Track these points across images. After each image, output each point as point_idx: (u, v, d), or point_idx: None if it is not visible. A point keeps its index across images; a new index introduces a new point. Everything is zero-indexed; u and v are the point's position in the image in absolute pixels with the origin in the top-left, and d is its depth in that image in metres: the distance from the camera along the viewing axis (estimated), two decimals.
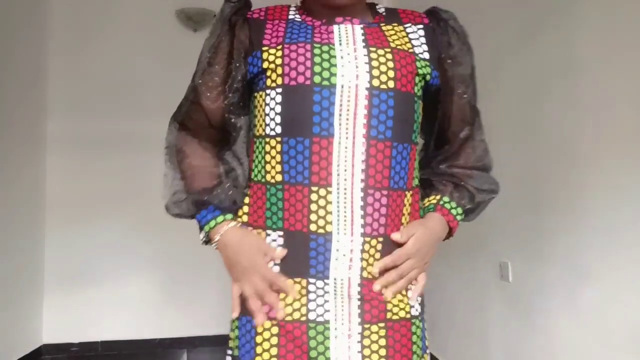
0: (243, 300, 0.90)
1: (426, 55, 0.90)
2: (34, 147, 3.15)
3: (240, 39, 0.91)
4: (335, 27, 0.87)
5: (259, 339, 0.84)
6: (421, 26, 0.93)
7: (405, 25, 0.92)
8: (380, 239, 0.85)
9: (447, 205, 0.98)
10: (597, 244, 1.56)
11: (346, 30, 0.87)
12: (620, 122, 1.47)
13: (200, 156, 0.94)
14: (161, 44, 3.45)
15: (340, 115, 0.81)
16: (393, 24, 0.92)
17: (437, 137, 0.98)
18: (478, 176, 1.03)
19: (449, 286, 2.65)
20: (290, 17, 0.92)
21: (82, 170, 3.31)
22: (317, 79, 0.82)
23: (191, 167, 0.93)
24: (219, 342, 3.32)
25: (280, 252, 0.85)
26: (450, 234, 1.05)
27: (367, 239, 0.83)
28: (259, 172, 0.89)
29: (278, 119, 0.84)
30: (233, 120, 0.92)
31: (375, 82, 0.82)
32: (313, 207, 0.82)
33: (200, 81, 0.94)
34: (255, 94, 0.90)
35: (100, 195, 3.30)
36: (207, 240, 0.93)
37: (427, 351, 0.95)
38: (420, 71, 0.87)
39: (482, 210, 1.06)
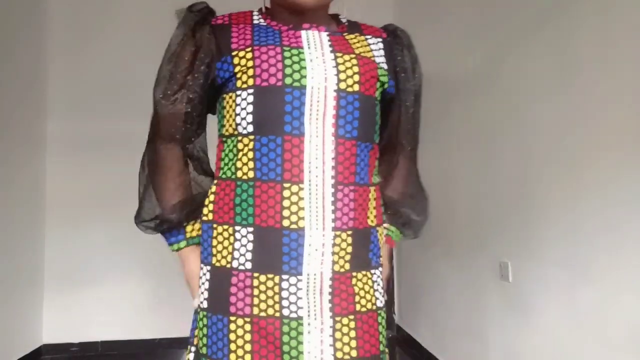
0: (213, 297, 0.91)
1: (384, 66, 0.95)
2: (34, 147, 3.15)
3: (206, 46, 0.92)
4: (302, 33, 0.91)
5: (232, 336, 0.85)
6: (380, 39, 0.98)
7: (367, 36, 0.97)
8: (350, 232, 0.88)
9: (391, 234, 1.05)
10: (597, 244, 1.56)
11: (313, 36, 0.91)
12: (619, 122, 1.47)
13: (169, 176, 0.99)
14: (161, 44, 3.42)
15: (310, 115, 0.84)
16: (355, 34, 0.96)
17: (384, 143, 1.02)
18: (411, 205, 1.08)
19: (449, 286, 2.65)
20: (255, 21, 0.94)
21: (82, 170, 3.31)
22: (288, 80, 0.84)
23: (160, 189, 0.99)
24: None
25: (196, 302, 0.95)
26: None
27: (338, 232, 0.86)
28: (229, 169, 0.90)
29: (250, 118, 0.86)
30: (198, 121, 0.97)
31: (342, 85, 0.86)
32: (286, 203, 0.84)
33: (161, 95, 0.95)
34: (225, 95, 0.91)
35: (100, 195, 3.30)
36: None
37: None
38: (380, 78, 0.93)
39: (423, 225, 1.12)
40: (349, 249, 0.88)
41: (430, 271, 2.95)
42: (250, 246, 0.87)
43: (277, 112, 0.84)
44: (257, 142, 0.85)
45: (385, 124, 1.00)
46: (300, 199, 0.84)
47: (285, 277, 0.85)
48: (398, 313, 3.60)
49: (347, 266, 0.88)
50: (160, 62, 0.96)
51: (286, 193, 0.84)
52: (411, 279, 3.32)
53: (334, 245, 0.86)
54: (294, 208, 0.84)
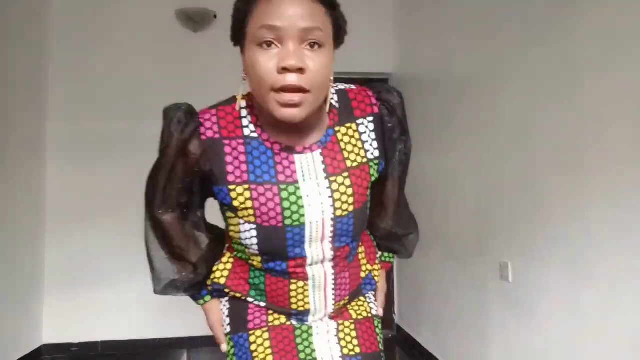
0: (233, 321, 1.03)
1: (376, 153, 0.98)
2: (34, 148, 3.15)
3: (201, 169, 0.93)
4: (296, 158, 0.91)
5: (253, 346, 0.97)
6: (371, 118, 0.97)
7: (358, 122, 0.96)
8: (347, 297, 1.02)
9: (385, 259, 1.16)
10: (597, 244, 1.56)
11: (307, 161, 0.91)
12: (621, 124, 1.47)
13: (179, 241, 1.06)
14: (161, 44, 3.45)
15: (310, 241, 0.93)
16: (347, 125, 0.95)
17: (375, 203, 1.07)
18: (409, 241, 1.16)
19: (449, 286, 2.65)
20: (246, 133, 0.92)
21: (82, 171, 3.31)
22: (288, 221, 0.89)
23: (176, 254, 1.07)
24: None
25: (224, 347, 1.05)
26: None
27: (337, 303, 1.01)
28: (242, 254, 1.00)
29: (256, 247, 0.94)
30: (196, 205, 1.03)
31: (338, 212, 0.92)
32: (292, 294, 0.97)
33: (160, 211, 1.07)
34: (230, 214, 0.95)
35: (100, 195, 3.30)
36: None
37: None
38: (372, 178, 0.98)
39: (411, 246, 1.18)
40: (346, 301, 1.03)
41: (430, 271, 2.95)
42: (263, 302, 1.01)
43: (280, 246, 0.92)
44: (265, 262, 0.96)
45: (375, 189, 1.05)
46: (305, 292, 0.96)
47: (292, 322, 1.01)
48: (398, 313, 3.60)
49: (343, 303, 1.03)
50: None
51: (293, 287, 0.96)
52: (411, 279, 3.32)
53: (334, 308, 1.01)
54: (300, 297, 0.97)
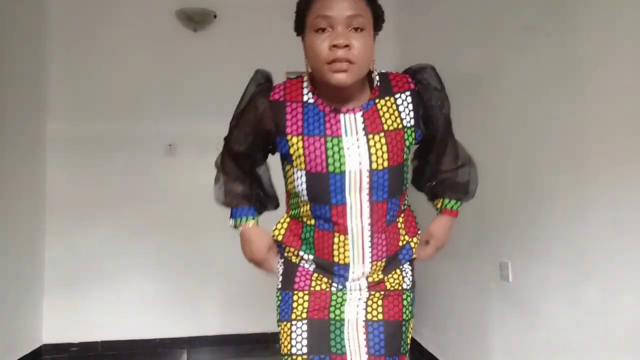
0: (284, 281, 1.24)
1: (412, 122, 1.17)
2: (34, 148, 3.15)
3: (266, 121, 1.17)
4: (341, 117, 1.13)
5: (294, 303, 1.19)
6: (408, 93, 1.18)
7: (396, 96, 1.17)
8: (384, 260, 1.19)
9: (448, 205, 1.32)
10: (597, 244, 1.56)
11: (349, 120, 1.14)
12: (621, 122, 1.47)
13: (236, 173, 1.30)
14: (161, 44, 3.45)
15: (349, 189, 1.12)
16: (386, 98, 1.17)
17: (426, 156, 1.31)
18: (461, 172, 1.31)
19: (449, 286, 2.65)
20: (305, 99, 1.16)
21: (82, 171, 3.31)
22: (330, 168, 1.11)
23: (231, 178, 1.30)
24: (219, 342, 3.33)
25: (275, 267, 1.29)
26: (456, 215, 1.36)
27: (374, 262, 1.17)
28: (296, 213, 1.23)
29: (305, 192, 1.16)
30: (256, 157, 1.29)
31: (374, 165, 1.11)
32: (335, 246, 1.16)
33: (230, 138, 1.28)
34: (287, 165, 1.20)
35: (100, 195, 3.30)
36: (234, 226, 1.31)
37: (413, 317, 1.30)
38: (407, 142, 1.18)
39: (475, 185, 1.33)
40: (382, 268, 1.20)
41: (430, 271, 2.95)
42: (311, 262, 1.21)
43: (324, 191, 1.13)
44: (313, 207, 1.16)
45: (427, 151, 1.29)
46: (346, 244, 1.15)
47: (334, 283, 1.20)
48: None
49: (380, 275, 1.20)
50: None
51: (335, 239, 1.16)
52: None
53: (370, 269, 1.18)
54: (341, 250, 1.16)
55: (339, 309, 1.18)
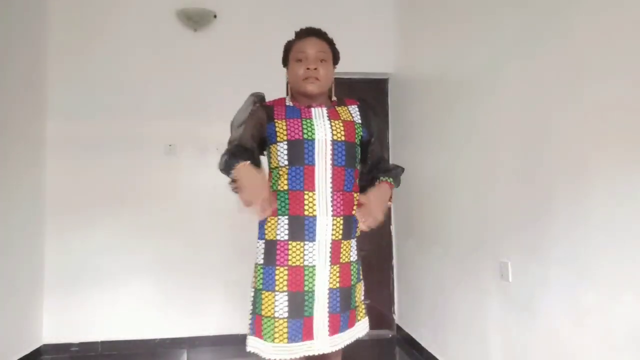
0: (266, 257, 1.54)
1: (359, 120, 1.66)
2: (34, 148, 3.16)
3: (261, 116, 1.59)
4: (312, 109, 1.62)
5: (277, 276, 1.52)
6: (356, 107, 1.70)
7: (348, 107, 1.69)
8: (341, 217, 1.55)
9: (382, 179, 1.65)
10: (597, 244, 1.56)
11: (318, 111, 1.62)
12: (621, 123, 1.47)
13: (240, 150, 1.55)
14: (161, 44, 3.45)
15: (318, 154, 1.54)
16: (341, 107, 1.68)
17: (364, 162, 1.72)
18: (392, 166, 1.72)
19: (449, 286, 2.65)
20: (286, 103, 1.65)
21: (82, 171, 3.31)
22: (305, 136, 1.55)
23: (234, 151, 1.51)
24: (219, 342, 3.33)
25: (268, 212, 1.51)
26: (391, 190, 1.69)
27: (335, 217, 1.54)
28: (274, 184, 1.57)
29: (286, 156, 1.55)
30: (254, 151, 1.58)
31: (335, 137, 1.57)
32: (305, 202, 1.53)
33: (235, 136, 1.56)
34: (271, 146, 1.59)
35: (100, 195, 3.31)
36: (232, 179, 1.45)
37: (361, 280, 1.72)
38: (357, 132, 1.64)
39: (399, 181, 1.71)
40: (341, 227, 1.55)
41: (430, 271, 2.95)
42: (286, 226, 1.53)
43: (300, 153, 1.54)
44: (290, 169, 1.54)
45: (366, 153, 1.70)
46: (313, 199, 1.53)
47: (307, 243, 1.53)
48: (398, 313, 3.60)
49: (340, 236, 1.56)
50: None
51: (305, 196, 1.53)
52: (411, 279, 3.32)
53: (332, 225, 1.54)
54: (310, 204, 1.52)
55: (311, 282, 1.52)
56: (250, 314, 1.57)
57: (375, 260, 3.67)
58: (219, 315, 3.37)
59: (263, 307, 1.51)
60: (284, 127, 1.55)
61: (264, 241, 1.56)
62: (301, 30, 1.67)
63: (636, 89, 1.41)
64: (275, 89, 3.44)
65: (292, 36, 1.67)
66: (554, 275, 1.77)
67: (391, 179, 1.65)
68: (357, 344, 1.69)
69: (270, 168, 1.61)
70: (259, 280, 1.54)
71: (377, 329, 3.63)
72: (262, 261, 1.55)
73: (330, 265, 1.54)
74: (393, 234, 3.70)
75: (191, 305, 3.35)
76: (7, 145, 2.81)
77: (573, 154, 1.67)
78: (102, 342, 3.24)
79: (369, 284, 3.71)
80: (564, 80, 1.72)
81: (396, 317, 3.62)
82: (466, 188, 2.47)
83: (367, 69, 3.55)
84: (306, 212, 1.51)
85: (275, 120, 1.57)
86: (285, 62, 1.69)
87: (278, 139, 1.55)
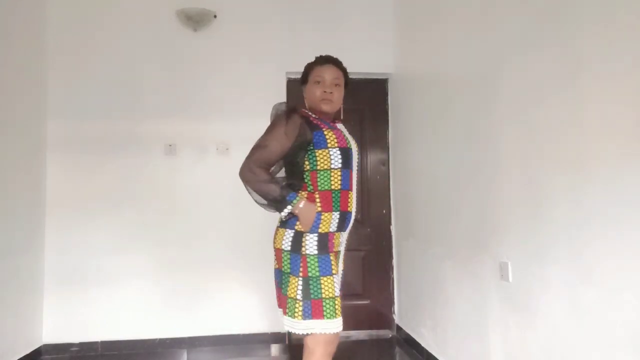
0: (320, 247, 1.79)
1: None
2: (34, 148, 3.16)
3: (303, 126, 1.83)
4: (337, 125, 1.97)
5: (332, 262, 1.81)
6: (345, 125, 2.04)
7: (344, 125, 2.03)
8: (358, 217, 2.10)
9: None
10: (598, 244, 1.56)
11: (341, 126, 1.98)
12: (621, 122, 1.47)
13: (266, 177, 1.84)
14: (161, 44, 3.45)
15: (354, 160, 1.91)
16: (344, 124, 2.03)
17: None
18: None
19: (449, 286, 2.65)
20: (313, 118, 1.91)
21: (82, 171, 3.32)
22: (348, 145, 1.88)
23: (265, 182, 1.83)
24: (219, 342, 3.33)
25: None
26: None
27: (356, 213, 1.95)
28: (325, 184, 1.84)
29: (339, 160, 1.84)
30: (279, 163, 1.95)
31: (355, 147, 1.94)
32: (349, 200, 1.88)
33: (268, 150, 1.85)
34: (319, 150, 1.82)
35: (100, 195, 3.31)
36: (289, 211, 1.81)
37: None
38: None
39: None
40: (356, 219, 1.97)
41: (430, 271, 2.95)
42: (337, 220, 1.84)
43: (348, 159, 1.86)
44: (343, 172, 1.85)
45: None
46: (352, 198, 1.89)
47: (342, 233, 1.88)
48: (398, 313, 3.60)
49: (355, 220, 1.95)
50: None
51: (349, 195, 1.88)
52: (411, 279, 3.32)
53: (353, 221, 1.93)
54: (350, 202, 1.88)
55: (338, 265, 1.91)
56: (301, 300, 1.74)
57: (375, 260, 3.67)
58: (219, 315, 3.37)
59: (323, 290, 1.75)
60: (333, 136, 1.83)
61: (316, 234, 1.80)
62: (321, 57, 1.97)
63: (636, 87, 1.41)
64: (275, 89, 3.47)
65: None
66: (554, 275, 1.77)
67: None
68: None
69: (314, 169, 1.84)
70: (314, 269, 1.76)
71: (377, 329, 3.64)
72: (315, 251, 1.78)
73: (345, 250, 1.98)
74: (393, 234, 3.70)
75: (191, 305, 3.35)
76: (7, 145, 2.81)
77: (573, 154, 1.67)
78: (102, 342, 3.24)
79: (369, 284, 3.75)
80: (564, 80, 1.72)
81: (396, 317, 3.62)
82: (466, 188, 2.47)
83: (367, 69, 3.55)
84: (349, 208, 1.86)
85: (323, 129, 1.83)
86: (304, 80, 1.98)
87: (329, 145, 1.81)
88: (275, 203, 1.80)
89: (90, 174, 3.32)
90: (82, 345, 3.22)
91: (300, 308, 1.73)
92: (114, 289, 3.27)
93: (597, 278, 1.56)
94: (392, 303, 3.65)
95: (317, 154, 1.82)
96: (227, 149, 3.44)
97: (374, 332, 3.61)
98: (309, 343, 1.77)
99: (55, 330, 3.20)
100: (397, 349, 3.34)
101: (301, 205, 1.77)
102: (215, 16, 3.45)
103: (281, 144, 1.80)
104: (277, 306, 1.94)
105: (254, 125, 2.17)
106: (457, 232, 2.58)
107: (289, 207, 1.77)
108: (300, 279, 1.76)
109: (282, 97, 3.33)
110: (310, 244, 1.78)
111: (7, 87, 2.83)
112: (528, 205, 1.92)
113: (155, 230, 3.33)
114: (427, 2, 3.08)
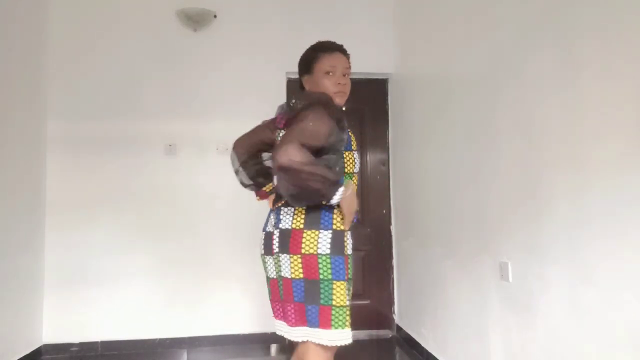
0: (337, 246, 1.60)
1: None
2: (34, 148, 3.16)
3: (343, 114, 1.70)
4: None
5: (349, 266, 1.63)
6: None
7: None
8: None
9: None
10: (598, 244, 1.56)
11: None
12: (621, 122, 1.47)
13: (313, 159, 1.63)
14: (161, 44, 3.45)
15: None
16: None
17: None
18: None
19: (449, 286, 2.65)
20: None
21: (82, 171, 3.31)
22: (355, 148, 1.74)
23: (318, 165, 1.56)
24: (219, 342, 3.33)
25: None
26: None
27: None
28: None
29: (358, 164, 1.74)
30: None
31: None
32: (356, 200, 1.66)
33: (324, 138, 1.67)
34: (346, 152, 1.67)
35: (100, 195, 3.31)
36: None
37: None
38: None
39: None
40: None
41: (430, 271, 2.95)
42: (352, 221, 1.68)
43: (358, 160, 1.76)
44: (357, 176, 1.77)
45: None
46: (356, 198, 1.68)
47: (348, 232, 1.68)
48: (398, 313, 3.60)
49: None
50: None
51: (356, 196, 1.67)
52: (411, 279, 3.32)
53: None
54: (357, 201, 1.66)
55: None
56: (349, 305, 1.58)
57: (375, 260, 3.67)
58: (219, 315, 3.37)
59: (348, 296, 1.60)
60: (353, 136, 1.73)
61: (331, 232, 1.63)
62: (324, 44, 1.79)
63: (636, 87, 1.41)
64: (275, 89, 3.46)
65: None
66: (554, 275, 1.77)
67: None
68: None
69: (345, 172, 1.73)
70: (350, 269, 1.63)
71: (377, 329, 3.64)
72: (327, 251, 1.59)
73: None
74: (393, 234, 3.70)
75: (191, 305, 3.35)
76: (7, 145, 2.81)
77: (573, 154, 1.67)
78: (102, 342, 3.24)
79: (369, 284, 3.74)
80: (564, 80, 1.72)
81: (396, 317, 3.62)
82: (466, 188, 2.47)
83: (367, 69, 3.55)
84: (357, 208, 1.71)
85: (348, 130, 1.69)
86: (307, 70, 1.76)
87: (353, 147, 1.71)
88: (328, 187, 1.49)
89: (90, 174, 3.32)
90: (82, 345, 3.22)
91: (348, 314, 1.56)
92: (114, 289, 3.27)
93: (597, 278, 1.56)
94: (392, 303, 3.65)
95: (345, 157, 1.66)
96: (227, 149, 3.42)
97: (374, 332, 3.61)
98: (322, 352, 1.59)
99: (55, 330, 3.20)
100: (397, 349, 3.34)
101: (349, 192, 1.55)
102: (215, 16, 3.45)
103: (329, 126, 1.54)
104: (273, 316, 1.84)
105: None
106: (457, 232, 2.58)
107: (340, 190, 1.50)
108: (347, 282, 1.58)
109: (282, 97, 3.33)
110: (349, 243, 1.65)
111: (7, 87, 2.83)
112: (528, 205, 1.92)
113: (155, 230, 3.33)
114: (427, 2, 3.08)
